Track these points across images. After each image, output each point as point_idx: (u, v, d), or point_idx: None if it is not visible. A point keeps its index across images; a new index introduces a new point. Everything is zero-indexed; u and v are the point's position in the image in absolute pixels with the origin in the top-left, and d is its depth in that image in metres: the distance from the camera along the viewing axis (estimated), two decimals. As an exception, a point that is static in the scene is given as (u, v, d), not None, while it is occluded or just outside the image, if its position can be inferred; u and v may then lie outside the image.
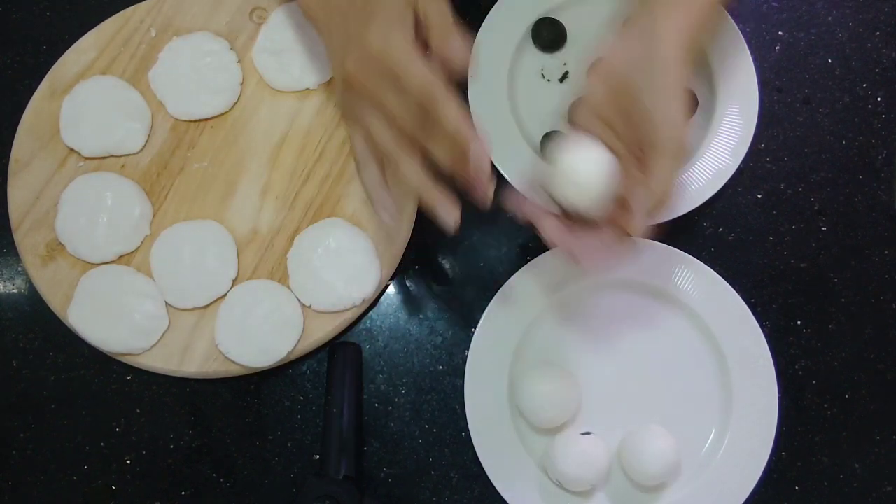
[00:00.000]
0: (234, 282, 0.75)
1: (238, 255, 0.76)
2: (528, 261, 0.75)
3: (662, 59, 0.60)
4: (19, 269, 0.79)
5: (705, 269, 0.74)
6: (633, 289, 0.75)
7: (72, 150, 0.78)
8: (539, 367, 0.72)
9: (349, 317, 0.75)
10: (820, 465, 0.73)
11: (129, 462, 0.74)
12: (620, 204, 0.62)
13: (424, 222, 0.78)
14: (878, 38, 0.82)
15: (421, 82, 0.58)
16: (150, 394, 0.76)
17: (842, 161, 0.79)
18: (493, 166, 0.64)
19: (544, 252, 0.75)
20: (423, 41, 0.61)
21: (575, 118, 0.66)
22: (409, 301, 0.77)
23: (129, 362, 0.74)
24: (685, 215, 0.75)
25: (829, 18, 0.83)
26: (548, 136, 0.77)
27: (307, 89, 0.79)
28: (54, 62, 0.80)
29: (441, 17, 0.60)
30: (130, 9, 0.81)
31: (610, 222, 0.63)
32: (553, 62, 0.81)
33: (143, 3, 0.81)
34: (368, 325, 0.77)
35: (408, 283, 0.78)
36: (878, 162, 0.79)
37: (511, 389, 0.72)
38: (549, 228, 0.64)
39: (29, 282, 0.77)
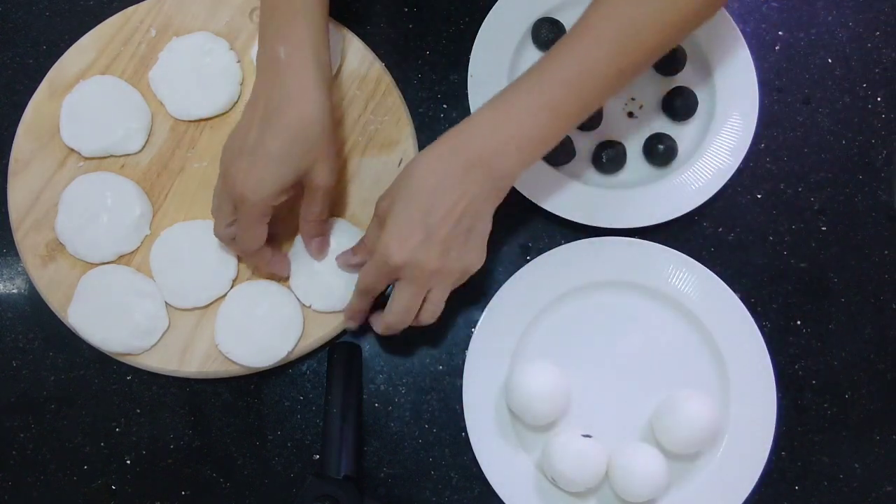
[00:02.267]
0: (234, 282, 0.75)
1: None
2: (528, 261, 0.75)
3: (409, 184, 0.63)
4: (19, 269, 0.79)
5: (704, 270, 0.74)
6: (631, 290, 0.75)
7: (72, 150, 0.78)
8: (524, 363, 0.72)
9: (349, 317, 0.75)
10: (820, 464, 0.73)
11: (129, 462, 0.74)
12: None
13: (424, 222, 0.78)
14: (878, 38, 0.82)
15: (246, 244, 0.68)
16: (150, 394, 0.76)
17: (842, 161, 0.79)
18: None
19: (544, 252, 0.75)
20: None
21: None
22: (409, 301, 0.77)
23: (129, 362, 0.74)
24: (685, 215, 0.76)
25: (829, 18, 0.83)
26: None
27: (307, 89, 0.79)
28: (54, 62, 0.80)
29: (322, 208, 0.68)
30: (130, 9, 0.81)
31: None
32: (553, 62, 0.81)
33: (143, 3, 0.81)
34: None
35: (408, 283, 0.78)
36: (878, 162, 0.79)
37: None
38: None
39: (29, 282, 0.77)
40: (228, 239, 0.69)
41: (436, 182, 0.62)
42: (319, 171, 0.63)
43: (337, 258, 0.73)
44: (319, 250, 0.72)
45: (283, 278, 0.74)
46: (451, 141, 0.63)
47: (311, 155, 0.63)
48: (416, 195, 0.62)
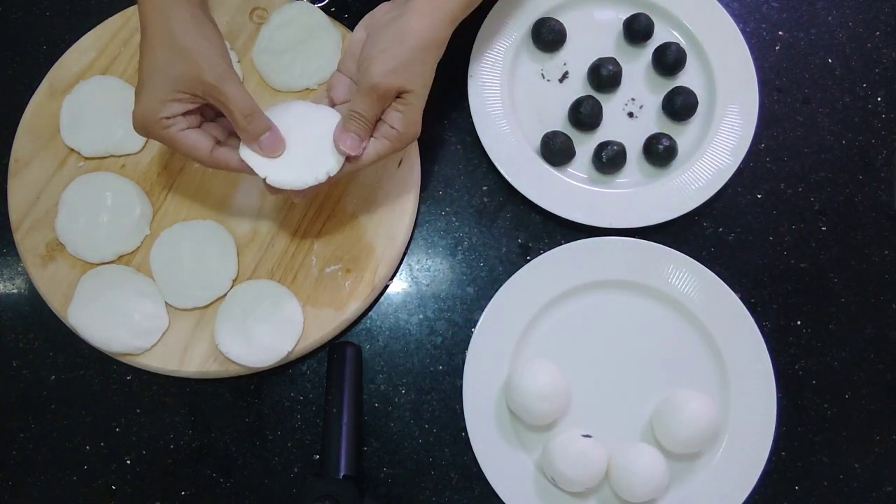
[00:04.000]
0: (234, 282, 0.75)
1: (238, 255, 0.76)
2: (528, 261, 0.75)
3: (412, 50, 0.65)
4: (19, 269, 0.79)
5: (704, 270, 0.74)
6: (631, 290, 0.75)
7: (72, 150, 0.78)
8: (524, 363, 0.72)
9: (349, 317, 0.75)
10: (820, 465, 0.73)
11: (129, 462, 0.74)
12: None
13: (425, 223, 0.78)
14: (878, 38, 0.82)
15: (190, 157, 0.66)
16: (150, 394, 0.76)
17: (842, 161, 0.80)
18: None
19: (544, 252, 0.75)
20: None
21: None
22: (409, 301, 0.77)
23: (129, 362, 0.74)
24: (685, 215, 0.76)
25: (829, 18, 0.83)
26: (548, 137, 0.77)
27: (307, 89, 0.79)
28: (54, 62, 0.80)
29: (242, 103, 0.64)
30: (131, 9, 0.81)
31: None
32: (553, 62, 0.81)
33: (143, 3, 0.81)
34: (368, 325, 0.77)
35: (408, 284, 0.78)
36: (878, 162, 0.79)
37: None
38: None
39: (29, 282, 0.77)
40: (212, 163, 0.67)
41: (436, 57, 0.67)
42: (203, 70, 0.63)
43: (339, 141, 0.66)
44: (272, 147, 0.65)
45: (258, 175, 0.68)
46: (445, 20, 0.67)
47: (178, 61, 0.63)
48: (428, 81, 0.67)
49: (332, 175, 0.66)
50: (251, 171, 0.66)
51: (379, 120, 0.67)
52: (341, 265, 0.75)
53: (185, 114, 0.65)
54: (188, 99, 0.64)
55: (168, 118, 0.64)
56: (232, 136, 0.68)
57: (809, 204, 0.79)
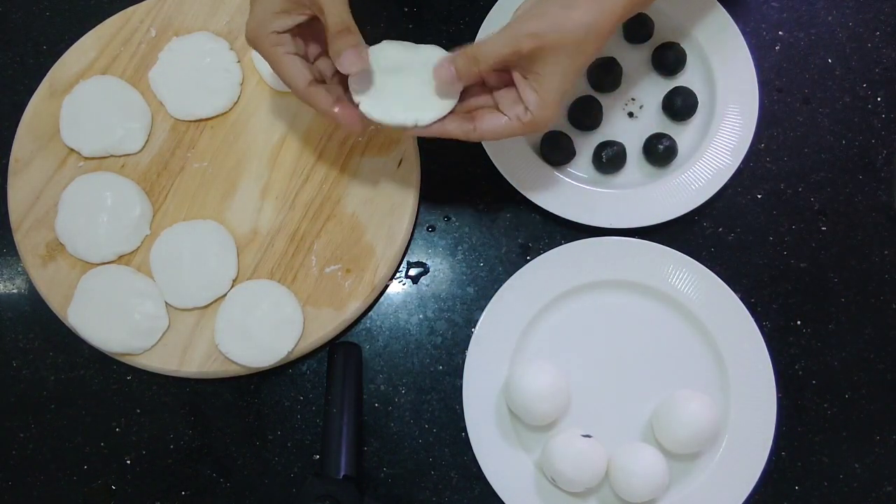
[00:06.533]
0: (234, 282, 0.75)
1: (238, 255, 0.76)
2: (528, 261, 0.75)
3: (574, 42, 0.62)
4: (19, 269, 0.79)
5: (704, 270, 0.74)
6: (631, 290, 0.75)
7: (72, 150, 0.78)
8: (524, 363, 0.72)
9: (349, 317, 0.75)
10: (820, 465, 0.73)
11: (129, 462, 0.74)
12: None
13: (425, 222, 0.79)
14: (878, 38, 0.82)
15: (288, 83, 0.66)
16: (150, 394, 0.76)
17: (842, 161, 0.80)
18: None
19: (544, 252, 0.75)
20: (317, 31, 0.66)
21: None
22: (409, 301, 0.77)
23: (129, 362, 0.74)
24: (685, 215, 0.76)
25: (829, 18, 0.83)
26: (548, 136, 0.77)
27: (307, 89, 0.79)
28: (54, 62, 0.80)
29: (336, 18, 0.62)
30: (130, 9, 0.81)
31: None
32: (553, 62, 0.81)
33: (143, 3, 0.82)
34: (368, 325, 0.77)
35: (408, 283, 0.78)
36: (878, 162, 0.79)
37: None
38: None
39: (29, 282, 0.77)
40: (304, 96, 0.66)
41: (592, 51, 0.63)
42: None
43: (436, 71, 0.65)
44: (349, 62, 0.63)
45: (354, 133, 0.66)
46: (612, 10, 0.63)
47: None
48: (576, 58, 0.62)
49: (420, 125, 0.65)
50: (333, 117, 0.65)
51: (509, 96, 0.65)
52: (341, 265, 0.75)
53: (294, 35, 0.65)
54: (295, 9, 0.64)
55: (279, 33, 0.64)
56: (331, 78, 0.68)
57: (809, 204, 0.79)
